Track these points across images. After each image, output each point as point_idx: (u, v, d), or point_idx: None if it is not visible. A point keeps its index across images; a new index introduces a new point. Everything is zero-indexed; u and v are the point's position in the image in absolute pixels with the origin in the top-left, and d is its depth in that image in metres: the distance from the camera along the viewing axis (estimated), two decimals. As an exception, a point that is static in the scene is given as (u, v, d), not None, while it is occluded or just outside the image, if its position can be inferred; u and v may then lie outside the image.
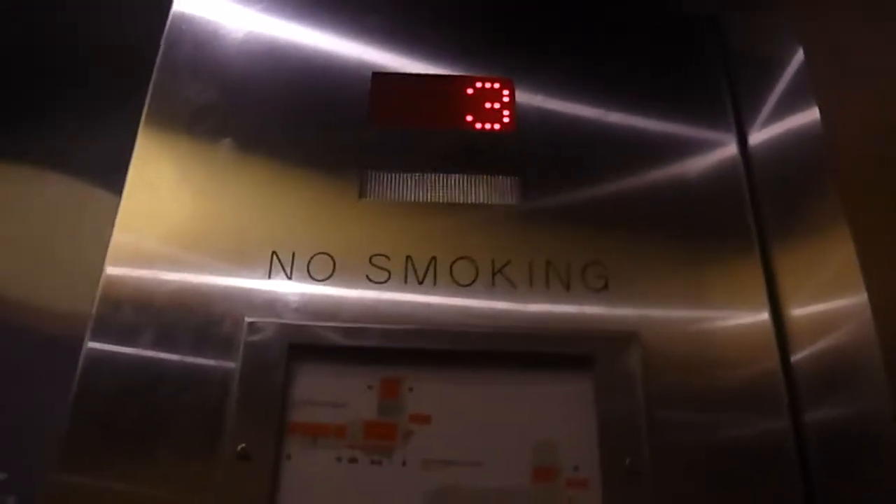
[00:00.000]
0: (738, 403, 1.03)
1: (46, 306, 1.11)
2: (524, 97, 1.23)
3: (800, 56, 1.05)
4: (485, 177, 1.16)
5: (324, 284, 1.07)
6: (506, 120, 1.21)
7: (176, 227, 1.10)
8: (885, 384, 0.86)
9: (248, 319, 1.03)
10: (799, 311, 1.05)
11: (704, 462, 1.00)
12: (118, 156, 1.14)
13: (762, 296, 1.09)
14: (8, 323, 1.10)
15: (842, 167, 0.96)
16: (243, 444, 0.96)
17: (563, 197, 1.16)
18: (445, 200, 1.15)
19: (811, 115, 1.01)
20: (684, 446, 1.00)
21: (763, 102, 1.15)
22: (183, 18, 1.27)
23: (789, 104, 1.08)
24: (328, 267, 1.08)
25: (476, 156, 1.18)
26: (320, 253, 1.09)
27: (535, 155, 1.18)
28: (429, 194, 1.15)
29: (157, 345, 1.02)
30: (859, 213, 0.93)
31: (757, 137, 1.18)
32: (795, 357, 1.04)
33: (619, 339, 1.05)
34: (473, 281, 1.08)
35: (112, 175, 1.13)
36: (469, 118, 1.21)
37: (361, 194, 1.14)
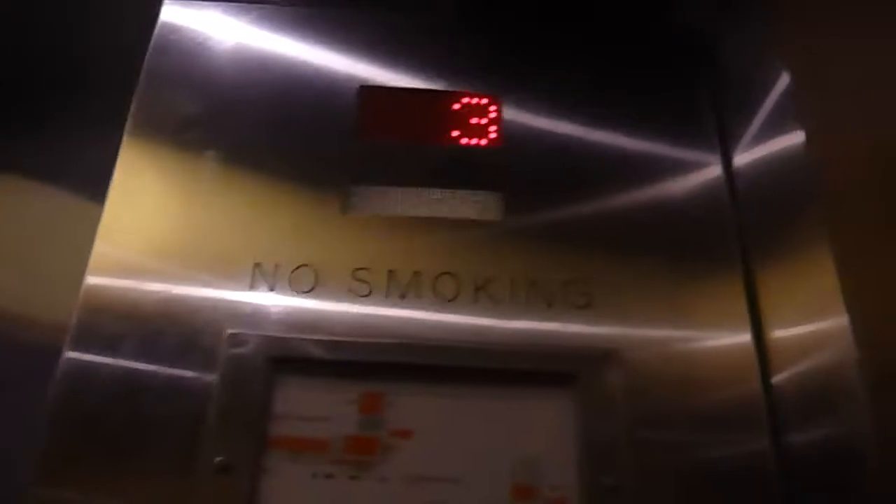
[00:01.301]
0: (719, 423, 1.02)
1: (30, 316, 1.11)
2: (511, 113, 1.23)
3: (785, 79, 1.05)
4: (469, 192, 1.16)
5: (306, 297, 1.06)
6: (492, 136, 1.21)
7: (158, 238, 1.09)
8: (866, 407, 0.86)
9: (229, 331, 1.03)
10: (781, 333, 1.05)
11: (684, 481, 0.99)
12: (105, 167, 1.14)
13: (744, 316, 1.09)
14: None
15: (825, 190, 0.96)
16: (221, 458, 0.95)
17: (547, 214, 1.16)
18: (430, 215, 1.14)
19: (796, 137, 1.01)
20: (664, 465, 1.00)
21: (748, 124, 1.15)
22: (171, 28, 1.26)
23: (774, 126, 1.08)
24: (310, 280, 1.07)
25: (461, 171, 1.18)
26: (303, 265, 1.08)
27: (520, 171, 1.18)
28: (413, 209, 1.15)
29: (137, 356, 1.01)
30: (842, 236, 0.93)
31: (742, 159, 1.18)
32: (776, 378, 1.04)
33: (601, 357, 1.04)
34: (456, 296, 1.08)
35: (99, 186, 1.12)
36: (455, 133, 1.21)
37: (346, 208, 1.14)
